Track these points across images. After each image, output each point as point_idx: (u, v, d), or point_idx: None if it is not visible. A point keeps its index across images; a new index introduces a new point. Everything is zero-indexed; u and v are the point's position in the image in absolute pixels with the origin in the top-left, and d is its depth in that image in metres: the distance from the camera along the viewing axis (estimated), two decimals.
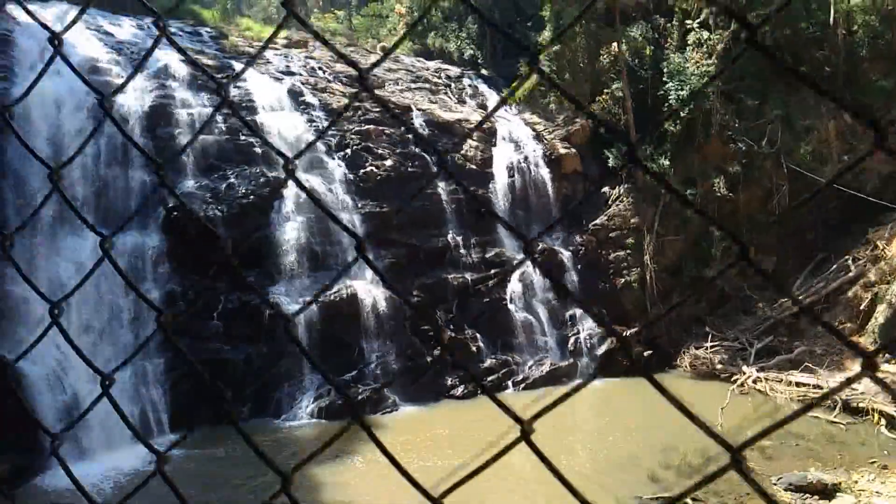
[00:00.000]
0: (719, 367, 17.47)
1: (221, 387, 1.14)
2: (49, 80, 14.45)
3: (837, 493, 10.52)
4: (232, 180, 16.43)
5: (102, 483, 11.14)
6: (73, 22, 1.38)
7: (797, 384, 15.83)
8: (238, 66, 19.52)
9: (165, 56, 18.10)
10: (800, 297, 19.17)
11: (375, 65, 1.01)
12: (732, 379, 16.65)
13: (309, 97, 19.52)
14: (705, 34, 20.33)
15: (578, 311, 19.10)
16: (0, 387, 10.11)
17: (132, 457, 11.97)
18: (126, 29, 19.33)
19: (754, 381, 16.15)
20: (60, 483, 10.87)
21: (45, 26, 1.43)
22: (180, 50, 1.21)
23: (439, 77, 24.96)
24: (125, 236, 14.82)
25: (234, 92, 18.24)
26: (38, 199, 13.92)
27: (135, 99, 16.23)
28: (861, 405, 14.38)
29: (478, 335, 17.64)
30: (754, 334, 18.63)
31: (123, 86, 1.39)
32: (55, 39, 1.41)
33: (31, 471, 11.14)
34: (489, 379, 16.86)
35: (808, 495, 10.67)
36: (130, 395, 13.31)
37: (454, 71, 25.82)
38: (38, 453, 10.73)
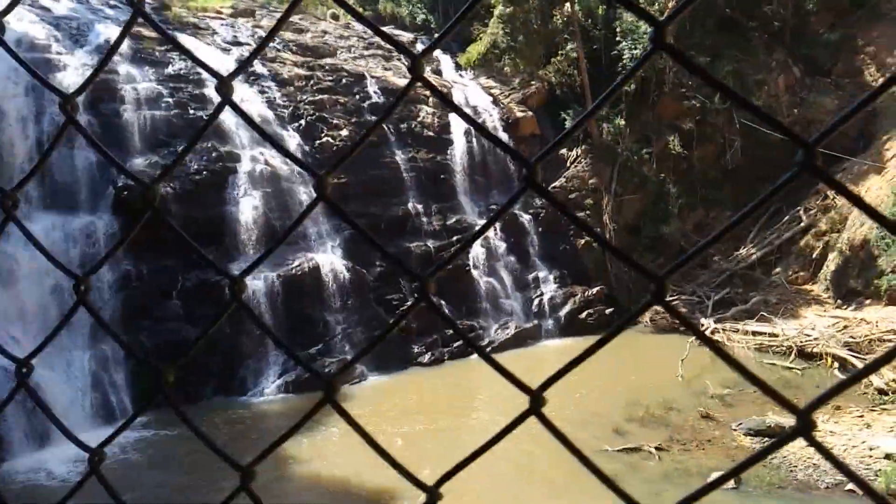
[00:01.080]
0: (677, 322, 17.88)
1: (155, 364, 1.04)
2: None
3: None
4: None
5: (62, 469, 10.92)
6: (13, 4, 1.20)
7: (753, 333, 16.34)
8: (183, 38, 18.88)
9: (107, 30, 17.42)
10: (754, 249, 19.71)
11: (428, 50, 0.91)
12: (701, 325, 17.08)
13: (259, 67, 19.05)
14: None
15: (541, 273, 19.30)
16: None
17: (94, 440, 11.80)
18: (63, 3, 18.49)
19: (712, 333, 16.60)
20: (21, 467, 10.69)
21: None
22: (163, 32, 1.07)
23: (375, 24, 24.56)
24: (76, 218, 14.38)
25: (179, 65, 17.68)
26: None
27: (77, 75, 15.60)
28: (815, 350, 14.94)
29: (442, 302, 17.70)
30: (711, 287, 19.11)
31: (86, 85, 1.21)
32: None
33: None
34: (455, 345, 16.98)
35: (766, 439, 11.09)
36: (91, 381, 13.06)
37: (407, 37, 25.44)
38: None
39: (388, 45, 24.00)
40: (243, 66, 1.00)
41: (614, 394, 13.37)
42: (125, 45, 17.00)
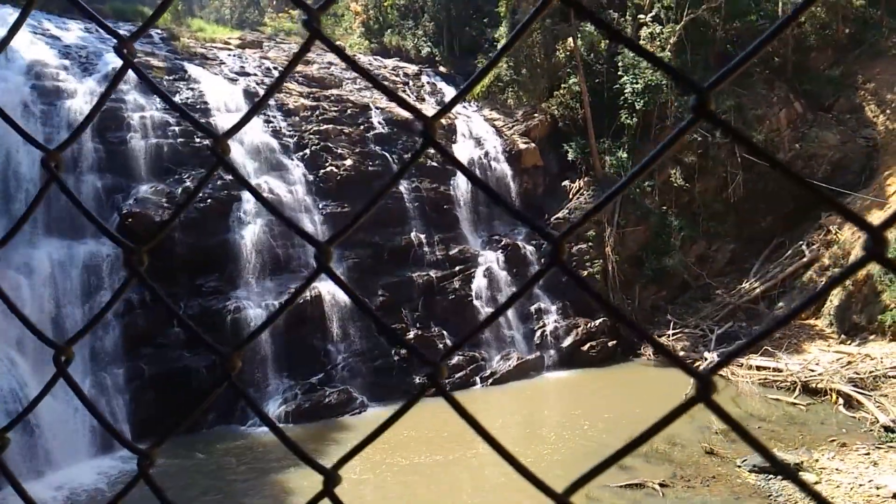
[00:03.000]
0: (682, 353, 17.78)
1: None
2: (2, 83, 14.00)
3: (800, 472, 10.80)
4: (188, 184, 16.12)
5: (47, 495, 10.79)
6: (6, 41, 1.17)
7: (758, 368, 16.21)
8: (190, 67, 19.13)
9: (115, 59, 17.66)
10: (757, 283, 19.66)
11: (440, 114, 0.90)
12: (695, 365, 16.88)
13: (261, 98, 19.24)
14: (658, 28, 20.65)
15: (544, 304, 19.25)
16: None
17: (92, 472, 11.69)
18: (74, 32, 18.81)
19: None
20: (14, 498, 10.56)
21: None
22: (155, 88, 1.07)
23: (397, 75, 24.87)
24: (80, 245, 14.42)
25: (187, 94, 17.91)
26: None
27: (85, 103, 15.79)
28: (820, 386, 14.80)
29: (444, 332, 17.64)
30: (714, 320, 19.03)
31: (77, 134, 1.21)
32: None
33: None
34: (457, 376, 16.88)
35: (771, 476, 10.93)
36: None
37: (412, 68, 25.76)
38: None
39: (393, 78, 24.34)
40: (238, 127, 1.00)
41: (618, 427, 13.23)
42: (133, 74, 17.21)
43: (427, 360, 0.86)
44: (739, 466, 11.56)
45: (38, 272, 13.47)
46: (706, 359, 16.92)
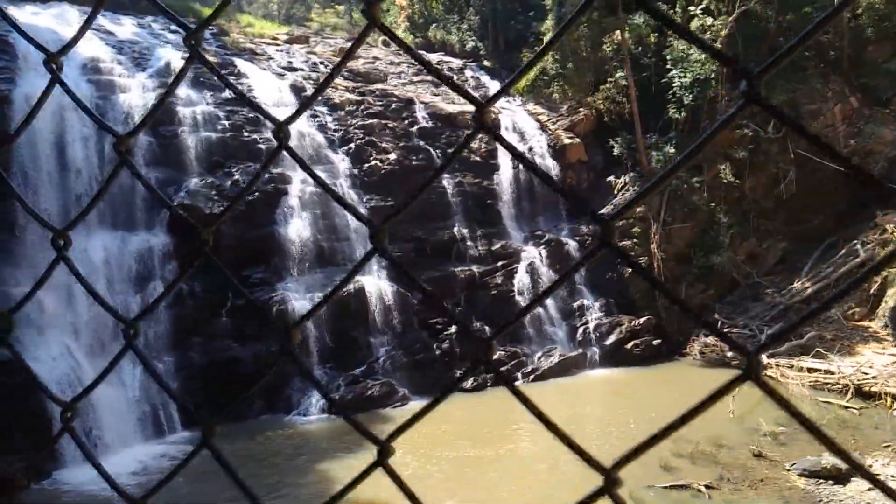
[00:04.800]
0: (729, 354, 17.41)
1: (202, 417, 1.03)
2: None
3: (852, 478, 10.49)
4: (236, 177, 16.44)
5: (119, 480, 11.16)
6: (71, 44, 1.21)
7: (809, 370, 15.77)
8: (239, 62, 19.48)
9: (167, 54, 18.11)
10: (808, 283, 19.11)
11: (493, 99, 0.90)
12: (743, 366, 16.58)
13: (311, 92, 19.50)
14: (709, 20, 20.18)
15: (587, 301, 19.07)
16: (11, 386, 10.17)
17: (143, 456, 12.04)
18: (127, 28, 19.34)
19: (765, 368, 16.08)
20: (73, 479, 10.94)
21: (39, 47, 1.21)
22: (218, 73, 1.09)
23: (441, 70, 24.90)
24: (133, 236, 14.85)
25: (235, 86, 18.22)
26: (42, 201, 13.98)
27: (138, 97, 16.24)
28: (874, 389, 14.33)
29: (486, 328, 17.62)
30: (764, 321, 18.56)
31: (147, 121, 1.27)
32: (52, 63, 1.20)
33: (43, 471, 11.20)
34: (499, 370, 16.84)
35: (822, 480, 10.63)
36: (141, 395, 13.37)
37: (456, 63, 25.75)
38: (50, 452, 10.80)
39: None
40: (299, 112, 1.03)
41: (660, 427, 13.03)
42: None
43: (477, 339, 0.88)
44: (789, 470, 11.27)
45: (93, 261, 13.92)
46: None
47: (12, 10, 16.37)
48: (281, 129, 1.02)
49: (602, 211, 20.29)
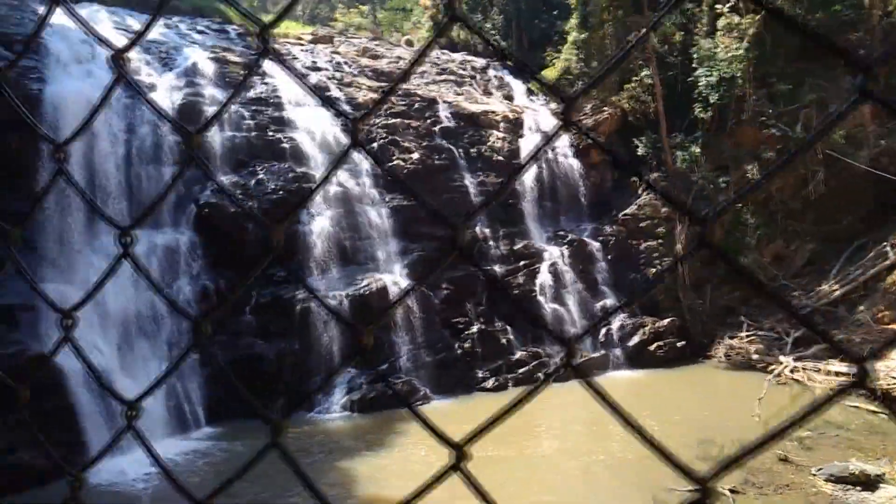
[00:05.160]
0: (755, 357, 17.19)
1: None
2: (81, 82, 14.72)
3: (881, 484, 10.28)
4: (261, 176, 16.58)
5: (138, 477, 11.30)
6: (136, 39, 1.25)
7: (836, 373, 15.50)
8: (265, 62, 19.64)
9: (194, 54, 18.31)
10: (836, 285, 18.78)
11: (580, 94, 0.88)
12: (769, 369, 16.37)
13: (335, 92, 19.61)
14: (736, 18, 19.92)
15: (610, 302, 18.94)
16: (42, 383, 10.36)
17: (168, 452, 12.19)
18: (155, 28, 19.58)
19: (792, 371, 15.85)
20: (102, 478, 11.12)
21: (106, 42, 1.26)
22: (292, 70, 1.10)
23: (465, 69, 24.87)
24: (159, 233, 15.04)
25: (260, 88, 18.40)
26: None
27: (165, 97, 16.44)
28: None
29: (508, 327, 17.59)
30: (791, 323, 18.27)
31: (211, 123, 1.29)
32: (119, 58, 1.25)
33: (72, 467, 11.38)
34: (520, 371, 16.81)
35: (849, 486, 10.44)
36: (166, 390, 13.53)
37: (479, 62, 25.71)
38: (80, 448, 10.98)
39: (461, 72, 24.34)
40: (373, 110, 1.03)
41: (686, 430, 12.90)
42: (212, 68, 17.82)
43: (559, 339, 0.87)
44: (815, 475, 11.08)
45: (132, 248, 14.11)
46: (781, 362, 16.30)
47: (42, 10, 16.67)
48: (356, 124, 1.08)
49: (626, 210, 20.15)
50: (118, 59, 1.17)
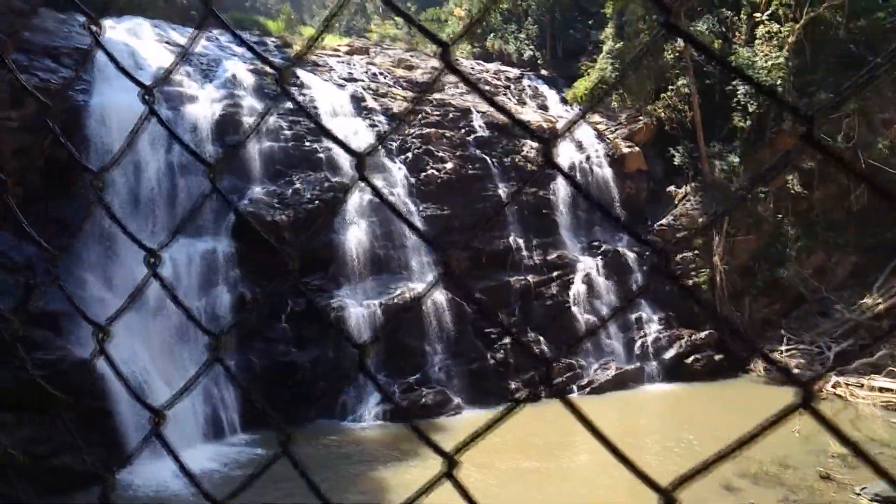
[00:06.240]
0: (796, 371, 16.78)
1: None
2: (126, 94, 15.09)
3: None
4: (297, 185, 16.79)
5: (172, 483, 11.47)
6: (166, 75, 1.33)
7: (880, 389, 15.06)
8: (302, 73, 19.93)
9: (234, 66, 18.67)
10: (880, 298, 18.26)
11: (559, 135, 0.90)
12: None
13: (371, 102, 19.79)
14: (775, 26, 19.59)
15: (645, 314, 18.70)
16: (84, 387, 10.62)
17: (203, 457, 12.36)
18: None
19: (833, 387, 15.44)
20: (140, 480, 11.32)
21: (135, 80, 1.32)
22: (302, 107, 1.14)
23: (499, 79, 24.90)
24: (200, 241, 15.31)
25: (298, 99, 18.59)
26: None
27: (205, 108, 16.78)
28: None
29: (541, 338, 17.48)
30: (833, 337, 17.82)
31: (240, 146, 1.37)
32: (147, 94, 1.31)
33: (112, 469, 11.60)
34: (553, 382, 16.67)
35: None
36: (203, 396, 13.75)
37: (514, 72, 25.71)
38: (120, 450, 11.20)
39: (495, 82, 24.38)
40: (375, 145, 1.08)
41: (724, 445, 12.62)
42: (250, 79, 18.16)
43: (538, 359, 0.91)
44: (859, 494, 10.75)
45: (162, 268, 14.41)
46: (823, 377, 15.88)
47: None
48: (361, 162, 1.10)
49: (662, 221, 19.88)
50: (147, 94, 1.23)
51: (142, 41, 17.47)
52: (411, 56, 25.10)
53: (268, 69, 18.46)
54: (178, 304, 1.25)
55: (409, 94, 21.32)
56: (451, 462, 0.97)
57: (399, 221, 17.20)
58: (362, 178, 1.04)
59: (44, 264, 12.20)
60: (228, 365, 1.19)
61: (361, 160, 1.05)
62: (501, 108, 0.96)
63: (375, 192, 1.09)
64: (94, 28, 1.32)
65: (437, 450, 0.98)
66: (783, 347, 17.53)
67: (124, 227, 1.39)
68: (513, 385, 16.44)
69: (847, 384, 15.47)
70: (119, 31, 17.67)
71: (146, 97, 1.26)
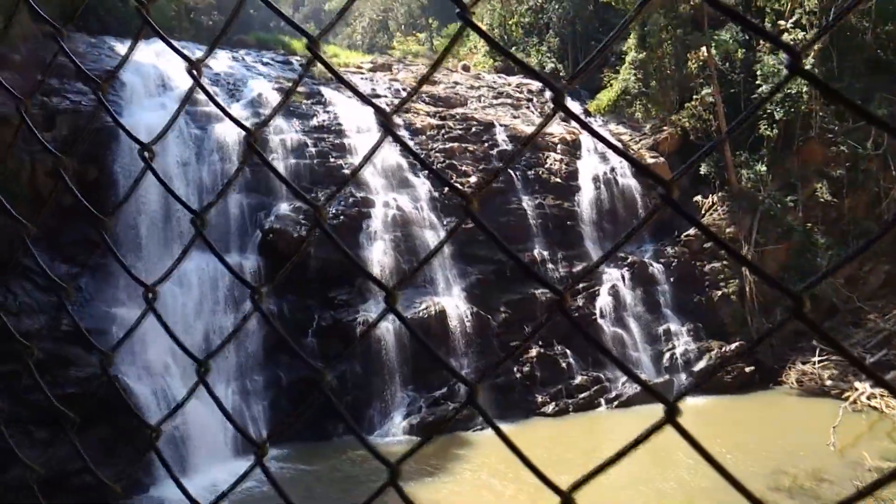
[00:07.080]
0: (829, 382, 16.45)
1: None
2: (154, 113, 15.42)
3: None
4: (322, 202, 16.94)
5: (200, 498, 11.53)
6: (211, 48, 1.43)
7: None
8: (326, 91, 20.16)
9: (258, 86, 18.96)
10: None
11: (574, 78, 0.94)
12: (844, 395, 15.61)
13: (395, 118, 19.91)
14: (800, 34, 19.39)
15: (673, 326, 18.47)
16: (114, 403, 10.75)
17: (231, 473, 12.42)
18: (222, 61, 20.39)
19: (868, 398, 15.08)
20: (169, 494, 11.42)
21: (183, 55, 1.43)
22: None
23: (521, 92, 24.95)
24: (226, 258, 15.48)
25: (323, 117, 18.88)
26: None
27: (232, 127, 17.03)
28: None
29: (567, 351, 17.36)
30: (867, 348, 17.43)
31: (268, 120, 1.42)
32: (194, 69, 1.41)
33: (140, 486, 11.73)
34: (580, 396, 16.53)
35: None
36: (233, 412, 13.85)
37: (535, 85, 25.74)
38: (148, 467, 11.33)
39: (517, 95, 24.42)
40: (361, 165, 1.08)
41: (758, 458, 12.40)
42: (276, 98, 18.41)
43: (462, 380, 0.96)
44: None
45: (190, 284, 14.61)
46: (857, 389, 15.54)
47: (119, 47, 17.57)
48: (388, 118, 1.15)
49: (688, 231, 19.68)
50: (195, 68, 1.31)
51: (169, 62, 17.80)
52: None
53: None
54: (169, 333, 1.33)
55: (433, 108, 21.45)
56: (393, 471, 1.07)
57: (422, 236, 17.15)
58: (389, 132, 1.08)
59: (73, 282, 12.43)
60: (211, 388, 1.26)
61: (388, 117, 1.11)
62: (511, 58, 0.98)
63: (402, 144, 1.15)
64: (58, 38, 1.42)
65: (381, 458, 1.08)
66: (816, 359, 17.18)
67: (122, 262, 1.47)
68: (539, 398, 16.32)
69: (882, 395, 15.10)
70: (147, 54, 18.04)
71: (145, 154, 1.34)
